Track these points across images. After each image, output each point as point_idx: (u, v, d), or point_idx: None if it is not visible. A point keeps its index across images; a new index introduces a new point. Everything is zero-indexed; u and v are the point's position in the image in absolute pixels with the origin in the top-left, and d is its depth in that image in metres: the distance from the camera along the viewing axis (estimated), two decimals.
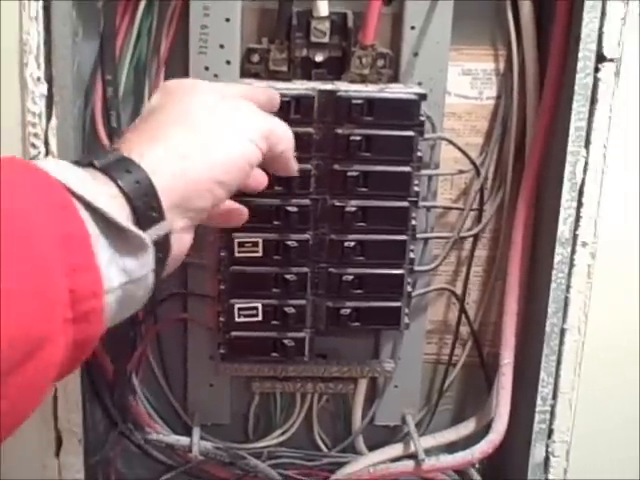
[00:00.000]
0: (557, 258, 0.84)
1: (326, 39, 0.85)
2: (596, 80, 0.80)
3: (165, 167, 0.58)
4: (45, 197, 0.50)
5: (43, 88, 0.75)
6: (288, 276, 0.87)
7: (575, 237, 0.84)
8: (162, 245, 0.58)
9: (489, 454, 0.92)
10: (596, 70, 0.80)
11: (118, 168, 0.56)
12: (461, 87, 0.91)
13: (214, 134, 0.63)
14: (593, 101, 0.81)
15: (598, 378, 0.88)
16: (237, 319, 0.88)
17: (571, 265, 0.84)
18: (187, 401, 0.98)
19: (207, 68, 0.84)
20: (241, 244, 0.85)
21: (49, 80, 0.76)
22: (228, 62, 0.85)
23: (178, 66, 0.84)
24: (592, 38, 0.79)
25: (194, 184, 0.60)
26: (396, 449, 0.98)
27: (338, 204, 0.85)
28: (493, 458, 0.94)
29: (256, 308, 0.87)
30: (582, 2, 0.78)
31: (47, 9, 0.74)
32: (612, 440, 0.90)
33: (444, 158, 0.91)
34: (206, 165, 0.61)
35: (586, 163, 0.82)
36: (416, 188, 0.86)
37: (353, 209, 0.85)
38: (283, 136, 0.70)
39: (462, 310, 0.96)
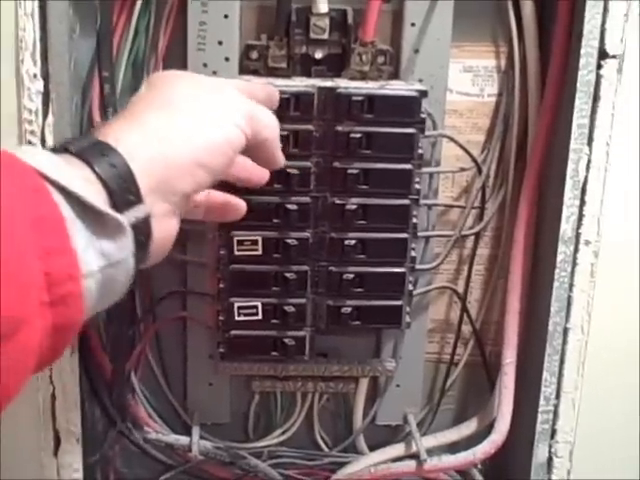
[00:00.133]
0: (560, 257, 0.84)
1: (326, 36, 0.84)
2: (598, 77, 0.79)
3: (142, 150, 0.58)
4: (17, 182, 0.49)
5: (39, 85, 0.74)
6: (288, 274, 0.86)
7: (578, 235, 0.83)
8: (142, 229, 0.57)
9: (491, 454, 0.92)
10: (598, 67, 0.79)
11: (93, 152, 0.56)
12: (462, 84, 0.91)
13: (195, 117, 0.63)
14: (595, 98, 0.80)
15: (601, 378, 0.87)
16: (237, 318, 0.87)
17: (574, 264, 0.84)
18: (186, 400, 0.98)
19: (205, 65, 0.84)
20: (240, 242, 0.85)
21: (45, 77, 0.75)
22: (227, 59, 0.84)
23: (176, 63, 0.84)
24: (594, 35, 0.78)
25: (174, 167, 0.60)
26: (397, 449, 0.97)
27: (338, 202, 0.84)
28: (495, 458, 0.94)
29: (256, 307, 0.87)
30: None
31: (43, 6, 0.73)
32: (616, 440, 0.89)
33: (445, 156, 0.91)
34: (186, 148, 0.61)
35: (589, 161, 0.81)
36: (417, 186, 0.85)
37: (354, 207, 0.84)
38: (267, 122, 0.69)
39: (464, 309, 0.96)
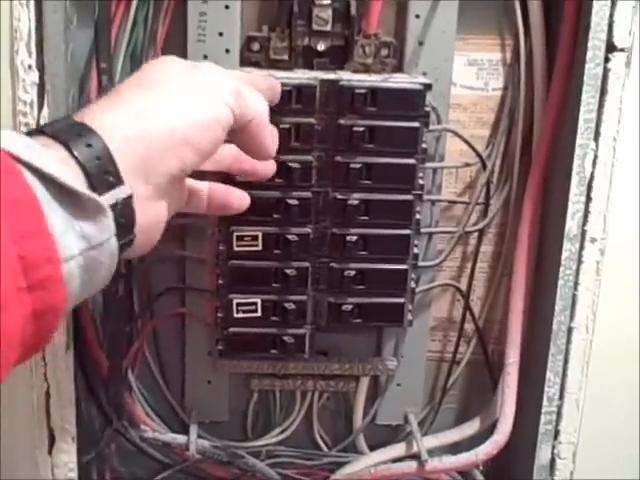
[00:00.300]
0: (565, 254, 0.83)
1: (328, 27, 0.83)
2: (606, 70, 0.78)
3: (121, 128, 0.56)
4: None
5: (34, 76, 0.73)
6: (288, 271, 0.85)
7: (583, 233, 0.82)
8: (123, 211, 0.55)
9: (493, 455, 0.91)
10: (606, 60, 0.78)
11: (69, 133, 0.54)
12: (466, 78, 0.90)
13: (180, 94, 0.61)
14: (603, 92, 0.79)
15: (606, 378, 0.86)
16: (236, 315, 0.86)
17: (579, 262, 0.83)
18: (184, 398, 0.97)
19: (206, 56, 0.83)
20: (240, 238, 0.84)
21: (41, 68, 0.74)
22: (227, 50, 0.83)
23: (175, 54, 0.79)
24: (602, 27, 0.77)
25: (155, 145, 0.57)
26: (398, 449, 0.96)
27: (340, 197, 0.84)
28: (498, 459, 0.93)
29: (255, 304, 0.86)
30: None
31: None
32: (620, 442, 0.89)
33: (448, 150, 0.90)
34: (169, 125, 0.58)
35: (595, 156, 0.81)
36: (421, 181, 0.84)
37: (356, 202, 0.83)
38: (253, 101, 0.66)
39: (467, 307, 0.95)
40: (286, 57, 0.84)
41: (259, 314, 0.86)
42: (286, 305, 0.86)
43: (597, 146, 0.80)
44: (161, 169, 0.58)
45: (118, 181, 0.55)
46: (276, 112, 0.72)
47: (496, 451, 0.91)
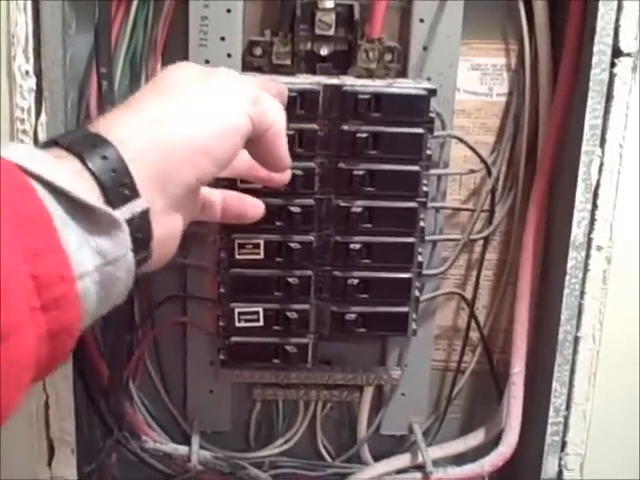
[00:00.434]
0: (570, 263, 0.82)
1: (331, 32, 0.83)
2: (612, 76, 0.78)
3: (137, 138, 0.54)
4: None
5: (32, 82, 0.73)
6: (291, 279, 0.84)
7: (590, 241, 0.82)
8: (140, 225, 0.54)
9: (499, 467, 0.90)
10: (612, 65, 0.78)
11: (84, 144, 0.53)
12: (470, 83, 0.89)
13: (197, 101, 0.59)
14: (609, 98, 0.78)
15: (613, 389, 0.85)
16: (237, 324, 0.86)
17: (585, 270, 0.82)
18: (186, 408, 0.96)
19: (207, 61, 0.82)
20: (242, 245, 0.83)
21: (38, 74, 0.73)
22: (229, 55, 0.83)
23: (176, 59, 0.80)
24: (608, 31, 0.77)
25: (172, 156, 0.56)
26: (402, 460, 0.96)
27: (343, 204, 0.83)
28: (503, 471, 0.92)
29: (257, 313, 0.85)
30: None
31: (36, 0, 0.72)
32: (628, 453, 0.88)
33: (453, 157, 0.89)
34: (186, 134, 0.57)
35: (601, 163, 0.80)
36: (425, 188, 0.84)
37: (359, 210, 0.83)
38: (271, 108, 0.64)
39: (472, 315, 0.94)
40: (289, 62, 0.83)
41: (261, 323, 0.85)
42: (288, 314, 0.85)
43: (603, 153, 0.79)
44: (178, 180, 0.57)
45: (134, 194, 0.53)
46: None
47: (502, 462, 0.90)
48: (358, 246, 0.84)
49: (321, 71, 0.84)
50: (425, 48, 0.85)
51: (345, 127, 0.81)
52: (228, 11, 0.82)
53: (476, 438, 0.96)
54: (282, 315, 0.85)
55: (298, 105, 0.79)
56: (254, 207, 0.76)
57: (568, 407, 0.86)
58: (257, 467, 0.95)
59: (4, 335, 0.43)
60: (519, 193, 0.90)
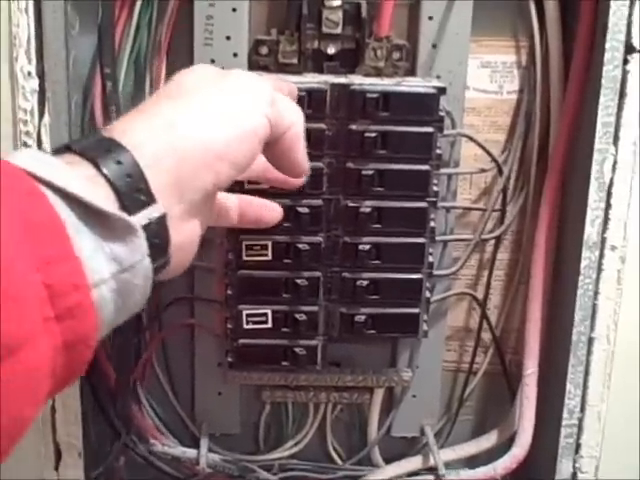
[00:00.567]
0: (584, 262, 0.81)
1: (339, 30, 0.82)
2: (625, 72, 0.77)
3: (152, 143, 0.53)
4: (6, 185, 0.45)
5: (34, 83, 0.72)
6: (299, 281, 0.84)
7: (603, 240, 0.81)
8: (157, 231, 0.52)
9: (512, 469, 0.90)
10: (625, 62, 0.77)
11: (97, 149, 0.51)
12: (480, 81, 0.88)
13: (211, 103, 0.58)
14: (622, 95, 0.77)
15: (629, 390, 0.85)
16: (245, 326, 0.85)
17: (599, 270, 0.81)
18: (194, 411, 0.96)
19: (213, 61, 0.82)
20: (249, 247, 0.82)
21: (41, 75, 0.73)
22: (235, 54, 0.82)
23: (181, 58, 0.82)
24: (620, 28, 0.75)
25: (189, 161, 0.54)
26: (414, 462, 0.95)
27: (352, 205, 0.82)
28: (517, 474, 0.91)
29: (265, 314, 0.85)
30: None
31: (38, 1, 0.71)
32: None
33: (463, 156, 0.88)
34: (203, 138, 0.55)
35: (615, 161, 0.79)
36: (435, 188, 0.83)
37: (368, 210, 0.82)
38: (288, 110, 0.63)
39: (483, 316, 0.94)
40: (295, 61, 0.82)
41: (269, 325, 0.85)
42: (297, 316, 0.84)
43: (616, 150, 0.78)
44: (195, 185, 0.55)
45: (150, 200, 0.52)
46: None
47: (515, 465, 0.89)
48: (367, 247, 0.83)
49: (328, 70, 0.83)
50: (434, 46, 0.84)
51: (353, 126, 0.80)
52: (234, 10, 0.81)
53: (489, 440, 0.95)
54: (291, 317, 0.85)
55: (305, 104, 0.78)
56: (271, 211, 0.76)
57: (582, 409, 0.85)
58: (266, 470, 0.94)
59: (17, 346, 0.42)
60: (531, 192, 0.89)
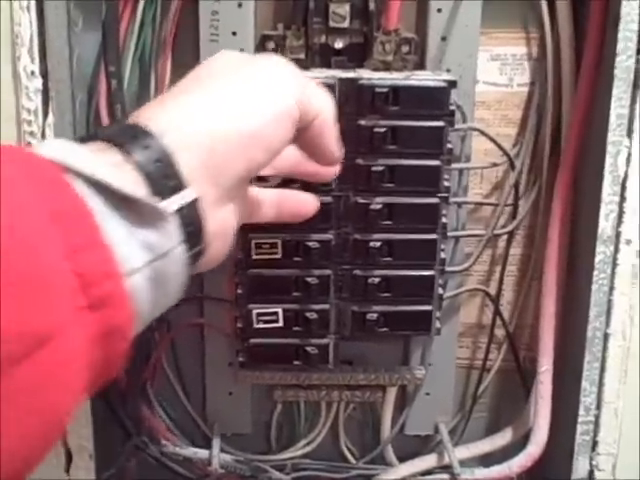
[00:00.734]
0: (598, 257, 0.80)
1: (346, 24, 0.81)
2: (638, 63, 0.75)
3: (181, 128, 0.52)
4: (28, 174, 0.44)
5: (38, 83, 0.71)
6: (310, 279, 0.83)
7: (618, 234, 0.79)
8: (190, 217, 0.51)
9: (528, 468, 0.89)
10: (638, 52, 0.75)
11: (124, 135, 0.50)
12: (489, 74, 0.87)
13: (243, 85, 0.57)
14: (635, 86, 0.76)
15: None
16: (256, 325, 0.84)
17: (614, 265, 0.80)
18: (205, 411, 0.95)
19: None
20: (259, 245, 0.82)
21: (44, 74, 0.72)
22: (241, 50, 0.81)
23: (187, 55, 0.81)
24: (632, 17, 0.74)
25: (220, 144, 0.53)
26: (428, 461, 0.94)
27: (362, 201, 0.81)
28: (532, 472, 0.90)
29: (276, 313, 0.84)
30: None
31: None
32: None
33: (474, 150, 0.87)
34: (235, 121, 0.54)
35: (629, 154, 0.78)
36: (446, 183, 0.82)
37: (378, 206, 0.81)
38: (317, 95, 0.61)
39: (496, 312, 0.93)
40: (303, 56, 0.81)
41: (280, 324, 0.84)
42: (308, 315, 0.84)
43: (630, 143, 0.77)
44: (228, 171, 0.54)
45: (181, 184, 0.51)
46: None
47: (530, 463, 0.88)
48: (378, 244, 0.82)
49: (336, 65, 0.82)
50: (443, 39, 0.83)
51: (362, 122, 0.79)
52: (239, 5, 0.80)
53: (503, 438, 0.94)
54: (302, 316, 0.84)
55: None
56: (307, 204, 0.75)
57: (599, 406, 0.84)
58: (279, 470, 0.94)
59: (47, 336, 0.41)
60: (543, 186, 0.88)
